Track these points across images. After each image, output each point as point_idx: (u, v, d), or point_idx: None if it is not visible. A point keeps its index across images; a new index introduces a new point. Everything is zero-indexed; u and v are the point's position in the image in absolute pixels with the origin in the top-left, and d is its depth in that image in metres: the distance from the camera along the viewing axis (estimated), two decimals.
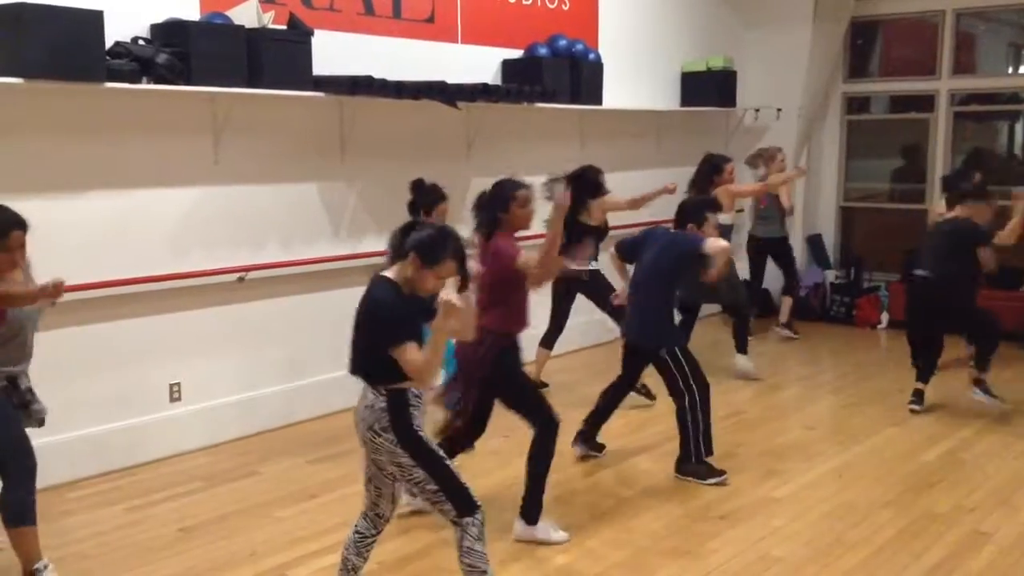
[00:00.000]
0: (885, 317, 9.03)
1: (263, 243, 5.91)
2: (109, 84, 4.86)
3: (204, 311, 5.66)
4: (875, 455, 5.57)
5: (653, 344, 5.07)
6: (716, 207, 5.39)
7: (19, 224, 3.77)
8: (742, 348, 7.40)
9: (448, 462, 3.39)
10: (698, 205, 5.32)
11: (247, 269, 5.78)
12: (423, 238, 3.29)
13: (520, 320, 4.41)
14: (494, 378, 4.34)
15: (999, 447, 5.68)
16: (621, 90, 8.19)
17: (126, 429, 5.33)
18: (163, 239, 5.43)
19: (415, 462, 3.30)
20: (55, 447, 4.73)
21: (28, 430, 3.95)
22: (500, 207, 4.37)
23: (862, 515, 4.66)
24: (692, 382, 4.99)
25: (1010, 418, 6.20)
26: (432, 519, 4.53)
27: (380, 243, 6.48)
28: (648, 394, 6.42)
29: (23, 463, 3.82)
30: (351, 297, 6.30)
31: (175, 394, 5.59)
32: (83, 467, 5.11)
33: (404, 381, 3.27)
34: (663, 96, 8.95)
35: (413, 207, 5.50)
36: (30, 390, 4.03)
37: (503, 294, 4.29)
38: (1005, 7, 9.04)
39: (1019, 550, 4.29)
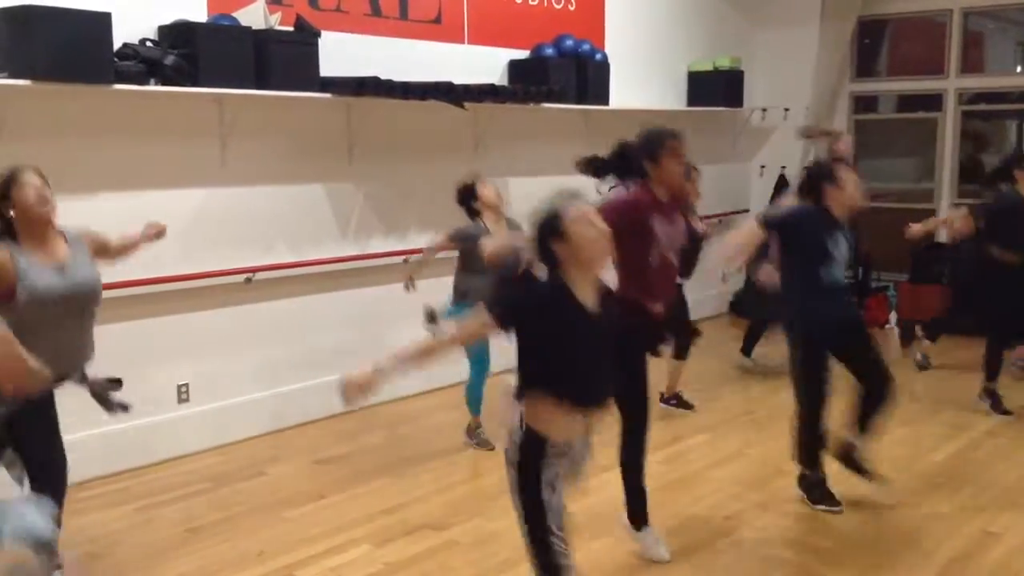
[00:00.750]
0: (893, 317, 9.00)
1: (270, 244, 5.93)
2: (117, 86, 4.87)
3: (212, 312, 5.68)
4: (883, 455, 5.54)
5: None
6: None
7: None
8: (747, 351, 7.39)
9: (554, 537, 2.84)
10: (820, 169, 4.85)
11: (254, 270, 5.79)
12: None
13: (649, 290, 3.79)
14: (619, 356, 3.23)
15: (1008, 448, 5.66)
16: (628, 90, 8.18)
17: (134, 430, 5.33)
18: (170, 240, 5.38)
19: (520, 517, 2.89)
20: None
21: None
22: (649, 157, 3.81)
23: (870, 515, 4.65)
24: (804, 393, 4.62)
25: (1019, 419, 6.18)
26: (438, 520, 4.55)
27: (387, 243, 6.55)
28: (684, 403, 6.38)
29: (56, 476, 3.73)
30: (358, 298, 6.48)
31: (183, 395, 5.60)
32: (91, 467, 5.12)
33: (534, 390, 2.85)
34: (670, 96, 8.94)
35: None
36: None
37: (624, 255, 3.61)
38: (1013, 5, 9.00)
39: None
